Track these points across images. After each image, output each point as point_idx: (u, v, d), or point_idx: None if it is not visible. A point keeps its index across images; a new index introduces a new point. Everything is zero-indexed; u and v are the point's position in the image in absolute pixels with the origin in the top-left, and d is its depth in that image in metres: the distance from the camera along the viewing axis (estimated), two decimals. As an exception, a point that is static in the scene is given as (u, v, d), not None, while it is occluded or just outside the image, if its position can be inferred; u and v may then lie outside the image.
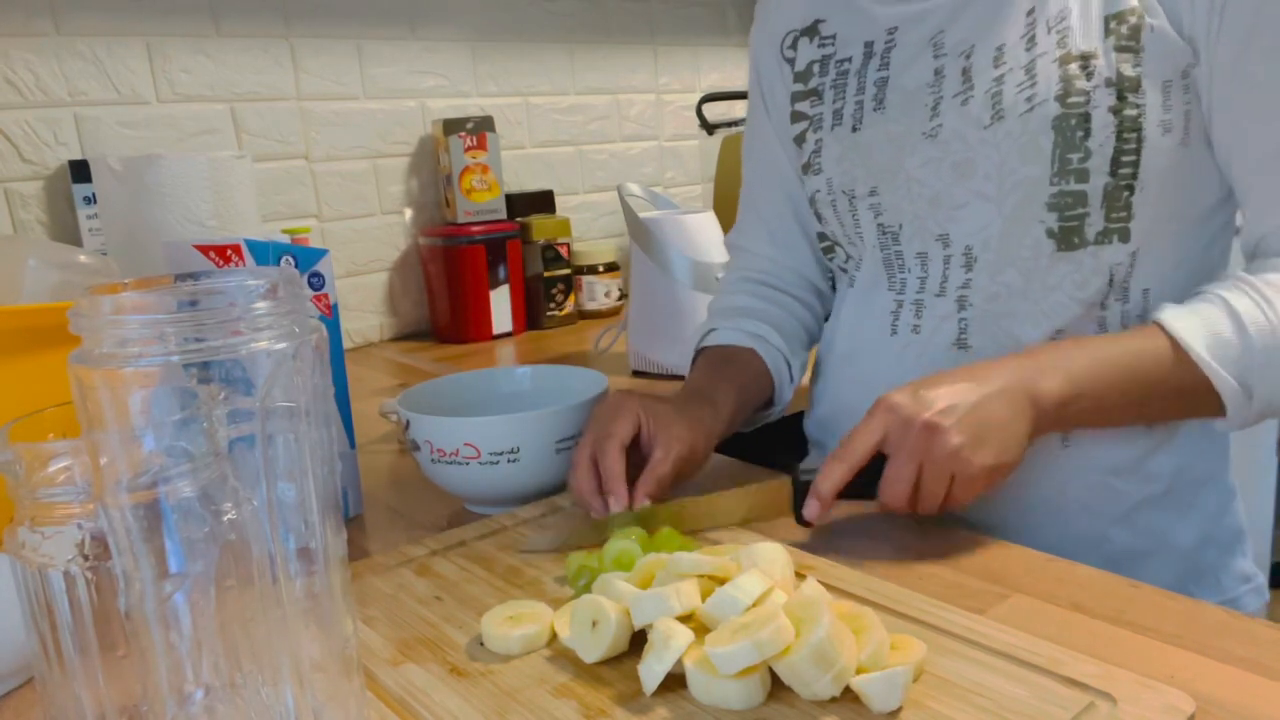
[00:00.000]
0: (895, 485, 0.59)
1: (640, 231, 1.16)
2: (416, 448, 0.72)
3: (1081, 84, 0.63)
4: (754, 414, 0.84)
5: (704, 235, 1.17)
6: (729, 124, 1.63)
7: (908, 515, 0.62)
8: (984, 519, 0.70)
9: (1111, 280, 0.66)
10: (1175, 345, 0.61)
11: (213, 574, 0.36)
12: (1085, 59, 0.63)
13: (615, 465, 0.65)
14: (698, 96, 1.67)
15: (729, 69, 1.88)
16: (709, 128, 1.63)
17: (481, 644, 0.52)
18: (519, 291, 1.49)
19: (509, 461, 0.70)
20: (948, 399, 0.59)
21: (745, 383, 0.80)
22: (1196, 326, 0.61)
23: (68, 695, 0.42)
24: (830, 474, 0.61)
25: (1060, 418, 0.62)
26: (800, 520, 0.62)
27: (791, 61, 0.81)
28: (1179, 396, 0.62)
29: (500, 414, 0.69)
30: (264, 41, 1.33)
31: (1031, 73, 0.65)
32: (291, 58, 1.36)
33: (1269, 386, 0.60)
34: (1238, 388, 0.60)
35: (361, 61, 1.42)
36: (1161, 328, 0.62)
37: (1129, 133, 0.63)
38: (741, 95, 1.69)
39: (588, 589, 0.55)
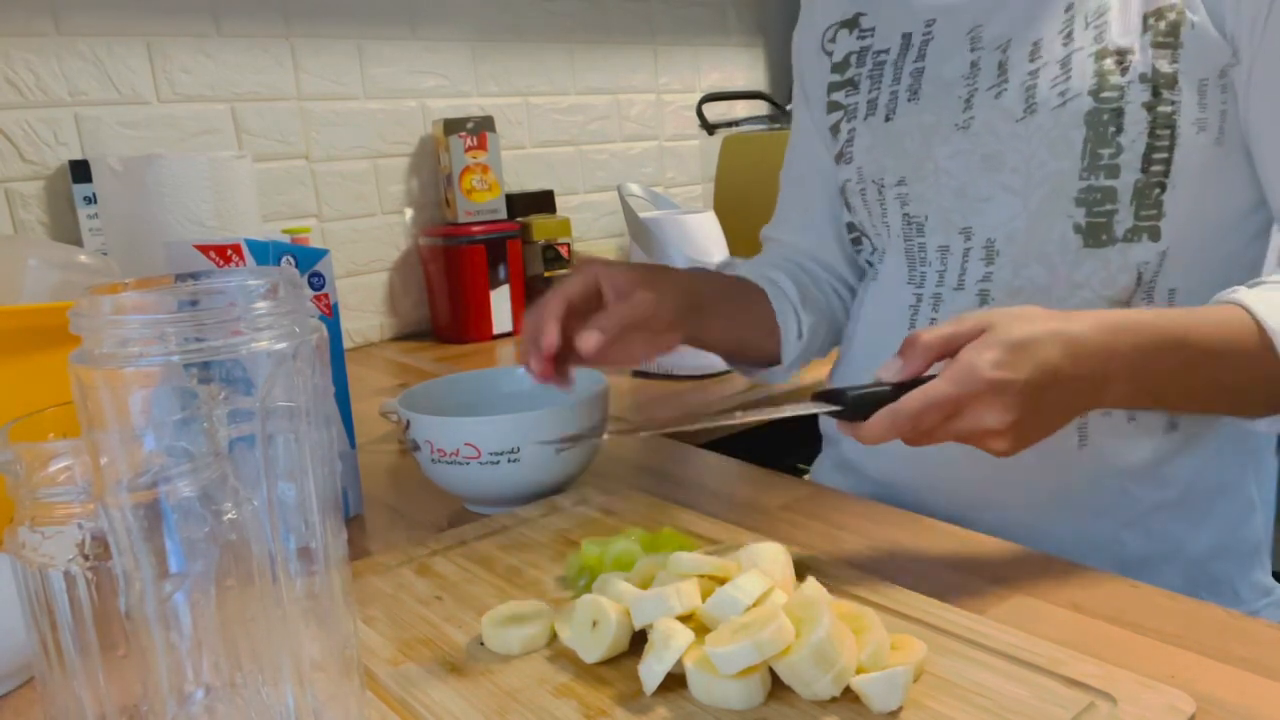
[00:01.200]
0: (906, 428, 0.52)
1: (641, 231, 1.16)
2: (416, 448, 0.72)
3: (1116, 79, 0.63)
4: (754, 363, 0.82)
5: (704, 235, 1.17)
6: (729, 124, 1.63)
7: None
8: (994, 518, 0.70)
9: (1139, 279, 0.66)
10: (1261, 332, 0.55)
11: (213, 574, 0.36)
12: (1121, 54, 0.63)
13: (549, 306, 0.65)
14: (698, 96, 1.67)
15: (729, 69, 1.88)
16: (709, 128, 1.63)
17: (482, 644, 0.52)
18: (519, 291, 1.49)
19: (509, 461, 0.70)
20: (1028, 371, 0.50)
21: (743, 304, 0.78)
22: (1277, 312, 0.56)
23: (68, 695, 0.42)
24: (880, 430, 0.53)
25: (1116, 407, 0.58)
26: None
27: (831, 54, 0.82)
28: (1252, 388, 0.58)
29: (500, 414, 0.69)
30: (264, 41, 1.33)
31: (1067, 67, 0.65)
32: (292, 58, 1.36)
33: None
34: None
35: (362, 61, 1.42)
36: (1246, 312, 0.56)
37: (1162, 129, 0.62)
38: (741, 95, 1.69)
39: (588, 589, 0.55)
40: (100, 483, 0.35)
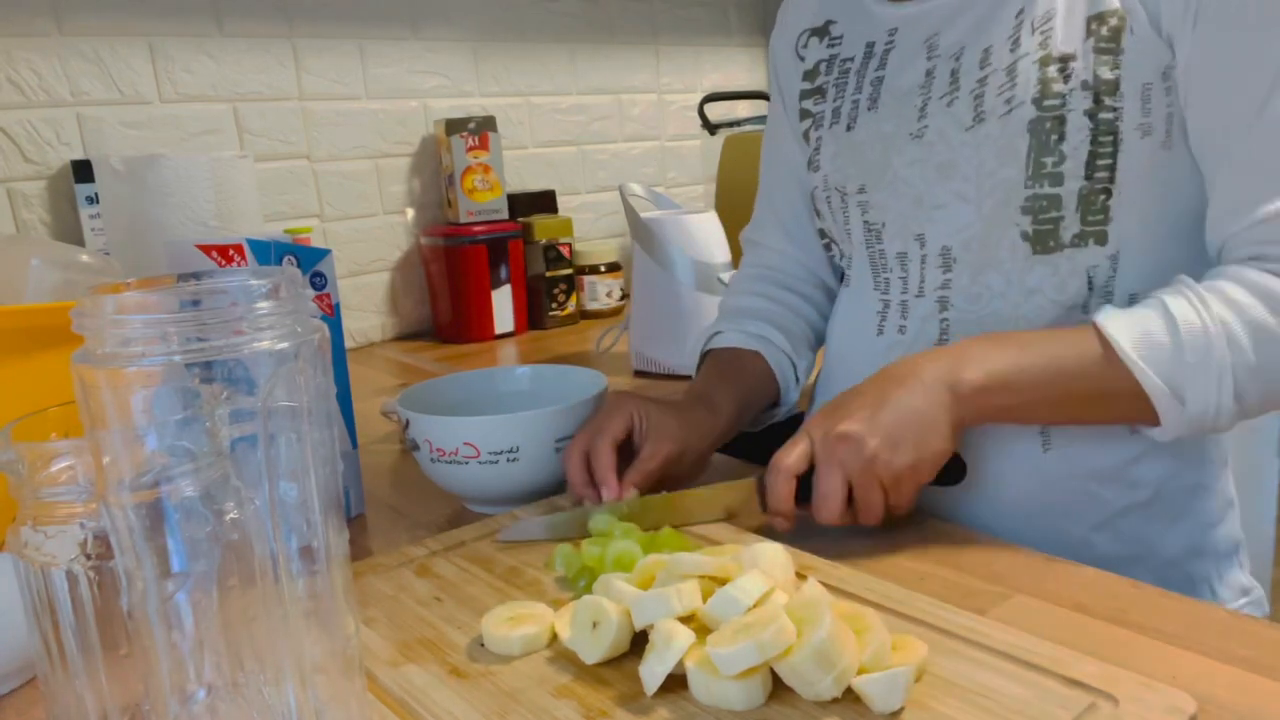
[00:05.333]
0: (825, 500, 0.61)
1: (642, 231, 1.16)
2: (416, 447, 0.72)
3: (1058, 86, 0.63)
4: (760, 414, 0.84)
5: (706, 235, 1.17)
6: (731, 124, 1.63)
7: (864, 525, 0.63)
8: (963, 523, 0.70)
9: (1091, 284, 0.66)
10: (1105, 344, 0.59)
11: (215, 573, 0.36)
12: (1064, 61, 0.63)
13: (605, 458, 0.68)
14: (699, 96, 1.67)
15: (731, 69, 1.88)
16: (711, 128, 1.63)
17: (482, 645, 0.52)
18: (520, 291, 1.49)
19: (508, 461, 0.70)
20: (861, 406, 0.61)
21: (748, 384, 0.81)
22: (1127, 326, 0.59)
23: (70, 694, 0.42)
24: (775, 492, 0.62)
25: (981, 407, 0.62)
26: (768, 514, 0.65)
27: (803, 59, 0.82)
28: (1107, 399, 0.61)
29: (499, 413, 0.69)
30: (266, 41, 1.33)
31: (1013, 74, 0.65)
32: (294, 58, 1.36)
33: (1202, 392, 0.58)
34: (1167, 391, 0.58)
35: (364, 61, 1.42)
36: (1094, 326, 0.61)
37: (1105, 136, 0.62)
38: (743, 95, 1.69)
39: (588, 590, 0.55)
40: (102, 482, 0.35)
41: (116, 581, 0.37)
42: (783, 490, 0.62)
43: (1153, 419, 0.60)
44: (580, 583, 0.57)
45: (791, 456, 0.62)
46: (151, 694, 0.37)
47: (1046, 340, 0.62)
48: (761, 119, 1.65)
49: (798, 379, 0.84)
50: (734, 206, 1.49)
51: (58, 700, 0.42)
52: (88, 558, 0.40)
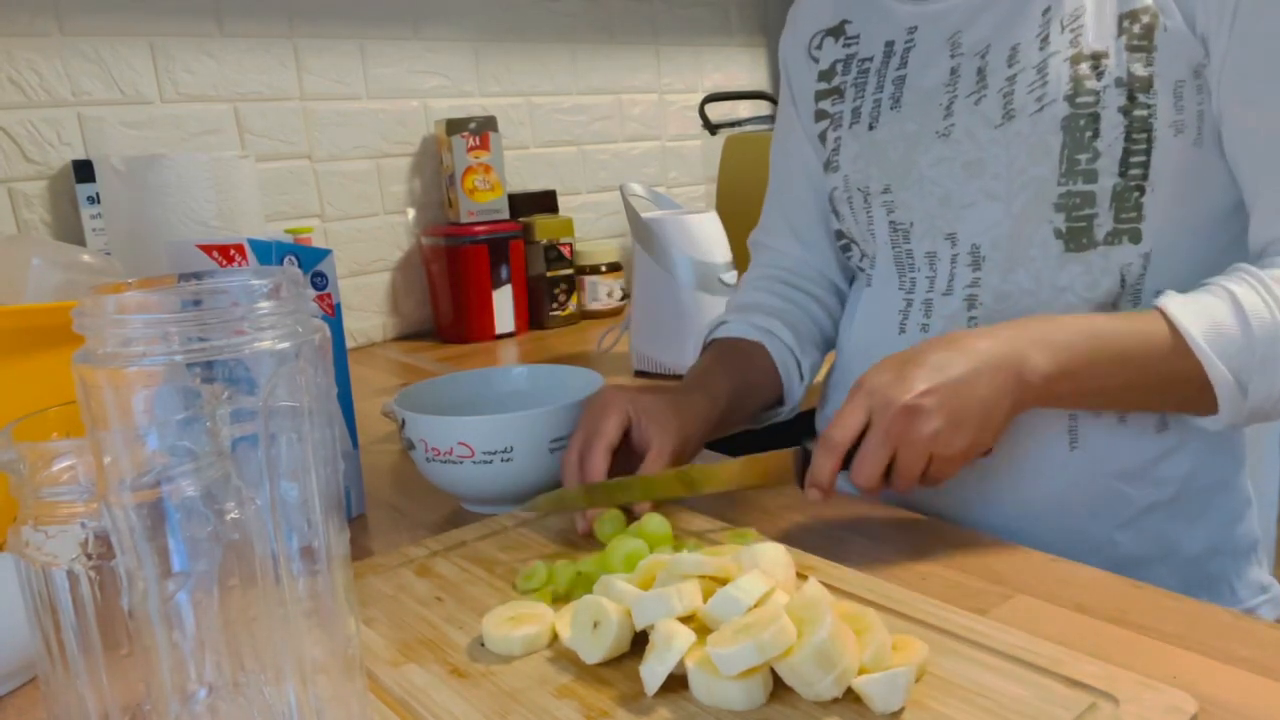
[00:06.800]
0: (868, 466, 0.58)
1: (643, 231, 1.16)
2: (412, 446, 0.72)
3: (1091, 84, 0.63)
4: (761, 411, 0.83)
5: (707, 235, 1.17)
6: (732, 124, 1.63)
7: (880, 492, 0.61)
8: (987, 519, 0.70)
9: (1123, 282, 0.66)
10: (1174, 332, 0.59)
11: (216, 573, 0.36)
12: (1096, 58, 0.63)
13: (600, 466, 0.65)
14: (700, 97, 1.67)
15: (732, 69, 1.88)
16: (712, 128, 1.63)
17: (482, 645, 0.52)
18: (521, 291, 1.49)
19: (503, 461, 0.69)
20: (929, 379, 0.57)
21: (748, 375, 0.80)
22: (1197, 315, 0.59)
23: (71, 694, 0.42)
24: (822, 465, 0.60)
25: (1046, 395, 0.61)
26: (805, 488, 0.62)
27: (817, 60, 0.82)
28: (1171, 386, 0.61)
29: (495, 413, 0.69)
30: (267, 42, 1.33)
31: (1043, 72, 0.65)
32: (295, 58, 1.36)
33: (1265, 384, 0.58)
34: (1233, 382, 0.58)
35: (364, 61, 1.42)
36: (1162, 314, 0.60)
37: (1139, 133, 0.62)
38: (744, 96, 1.69)
39: (572, 593, 0.54)
40: (103, 482, 0.35)
41: (117, 581, 0.37)
42: (830, 465, 0.59)
43: (1211, 408, 0.60)
44: (555, 586, 0.57)
45: (848, 432, 0.59)
46: (152, 694, 0.37)
47: (1113, 325, 0.61)
48: (763, 119, 1.65)
49: (802, 376, 0.84)
50: (735, 207, 1.49)
51: (58, 700, 0.42)
52: (89, 557, 0.40)
